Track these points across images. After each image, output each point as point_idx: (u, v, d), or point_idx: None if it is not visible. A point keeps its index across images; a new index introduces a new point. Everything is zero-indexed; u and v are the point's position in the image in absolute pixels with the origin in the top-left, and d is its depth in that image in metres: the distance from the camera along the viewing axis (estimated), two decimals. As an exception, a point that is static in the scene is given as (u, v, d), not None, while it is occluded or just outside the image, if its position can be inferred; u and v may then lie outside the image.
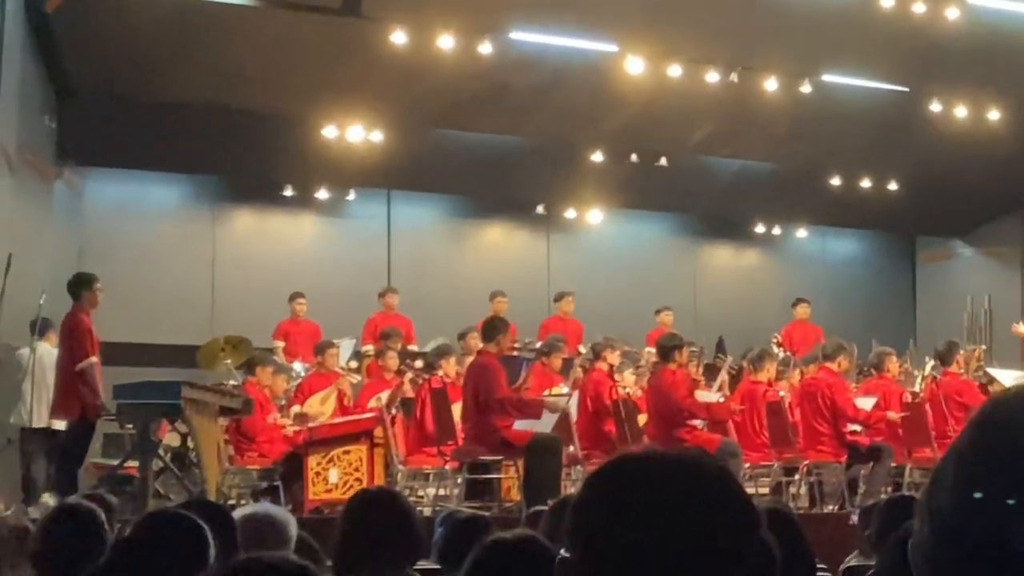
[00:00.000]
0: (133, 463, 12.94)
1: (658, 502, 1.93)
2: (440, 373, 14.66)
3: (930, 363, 17.32)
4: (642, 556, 1.90)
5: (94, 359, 12.83)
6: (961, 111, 19.42)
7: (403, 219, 21.63)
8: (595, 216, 22.32)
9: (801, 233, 24.04)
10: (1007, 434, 1.39)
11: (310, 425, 14.17)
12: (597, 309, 19.51)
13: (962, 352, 16.28)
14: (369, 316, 18.15)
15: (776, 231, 23.79)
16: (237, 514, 5.31)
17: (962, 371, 16.06)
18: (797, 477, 14.87)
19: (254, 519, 5.44)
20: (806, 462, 14.68)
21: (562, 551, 2.02)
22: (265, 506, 7.03)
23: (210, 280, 20.14)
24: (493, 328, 13.65)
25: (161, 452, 12.99)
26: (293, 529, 5.67)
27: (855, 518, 9.34)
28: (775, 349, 17.65)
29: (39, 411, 13.78)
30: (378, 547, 5.11)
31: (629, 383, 15.31)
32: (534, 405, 13.36)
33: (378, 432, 13.85)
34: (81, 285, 13.12)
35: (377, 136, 18.99)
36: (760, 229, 23.63)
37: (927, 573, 1.42)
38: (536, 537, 3.82)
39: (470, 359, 14.76)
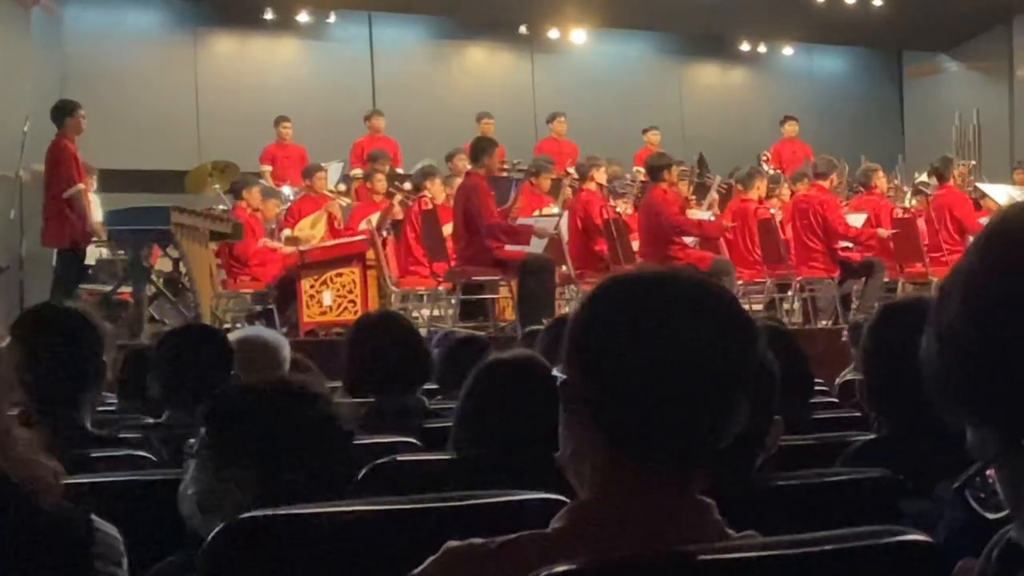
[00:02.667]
0: (126, 289, 12.94)
1: (657, 319, 1.94)
2: (427, 195, 14.64)
3: (920, 177, 17.31)
4: (644, 373, 1.92)
5: (81, 186, 12.76)
6: (946, -80, 19.20)
7: (385, 41, 21.38)
8: (578, 36, 22.08)
9: (787, 51, 23.88)
10: (1018, 248, 1.37)
11: (301, 248, 14.17)
12: (583, 129, 19.40)
13: (960, 166, 16.22)
14: (355, 139, 18.07)
15: (761, 49, 23.59)
16: (230, 338, 5.30)
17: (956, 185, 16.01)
18: (790, 293, 14.93)
19: (246, 342, 5.43)
20: (799, 278, 14.74)
21: (556, 371, 2.05)
22: (257, 329, 7.03)
23: (194, 105, 19.94)
24: (480, 149, 13.53)
25: (154, 278, 12.96)
26: (286, 351, 5.64)
27: (847, 334, 9.39)
28: (764, 167, 17.62)
29: None
30: (386, 370, 5.14)
31: (621, 207, 15.29)
32: (522, 231, 13.33)
33: (370, 254, 13.82)
34: (64, 111, 12.97)
35: (357, -44, 18.74)
36: (745, 47, 23.41)
37: (937, 389, 1.41)
38: (535, 356, 3.82)
39: (458, 180, 14.69)
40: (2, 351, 2.13)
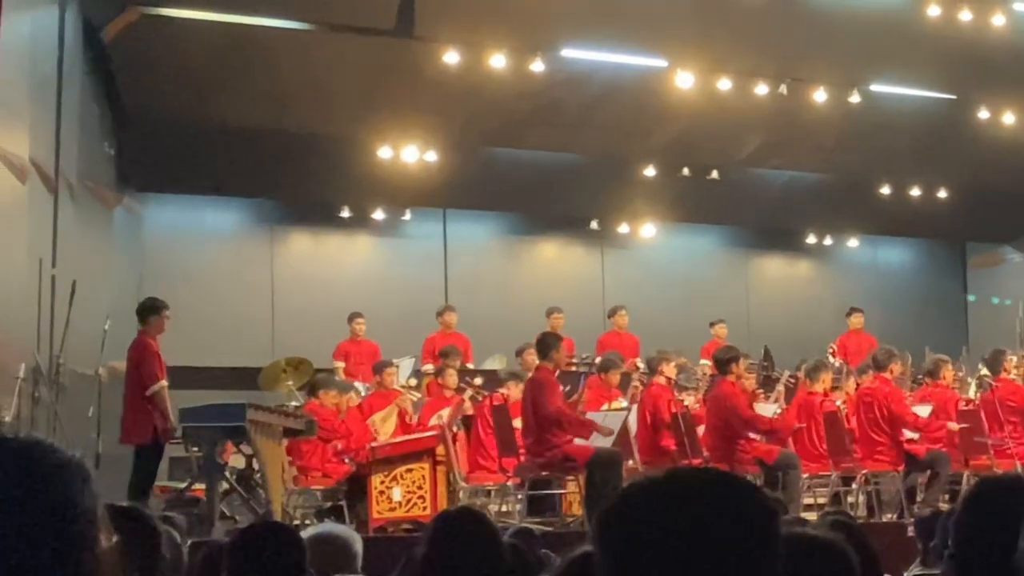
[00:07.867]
0: (200, 485, 13.09)
1: (673, 529, 1.96)
2: (503, 391, 14.79)
3: (982, 370, 17.31)
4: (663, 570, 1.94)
5: (164, 382, 12.97)
6: (1009, 117, 19.46)
7: (459, 237, 21.79)
8: (648, 230, 22.43)
9: (852, 242, 24.10)
10: None
11: (372, 444, 14.31)
12: (651, 323, 19.59)
13: (1011, 358, 16.23)
14: (427, 335, 18.30)
15: (827, 241, 23.84)
16: (303, 535, 5.44)
17: (1013, 376, 16.00)
18: (855, 486, 14.89)
19: (320, 539, 5.56)
20: (864, 471, 14.71)
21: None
22: (329, 525, 7.17)
23: (270, 302, 20.32)
24: (546, 345, 13.72)
25: (227, 474, 13.12)
26: (359, 547, 5.77)
27: (914, 528, 9.37)
28: (830, 359, 17.67)
29: None
30: (463, 566, 5.23)
31: (688, 400, 15.40)
32: (586, 425, 13.43)
33: (440, 450, 13.94)
34: (150, 310, 13.24)
35: (431, 156, 19.12)
36: (811, 239, 23.69)
37: None
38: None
39: (529, 375, 14.90)
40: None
